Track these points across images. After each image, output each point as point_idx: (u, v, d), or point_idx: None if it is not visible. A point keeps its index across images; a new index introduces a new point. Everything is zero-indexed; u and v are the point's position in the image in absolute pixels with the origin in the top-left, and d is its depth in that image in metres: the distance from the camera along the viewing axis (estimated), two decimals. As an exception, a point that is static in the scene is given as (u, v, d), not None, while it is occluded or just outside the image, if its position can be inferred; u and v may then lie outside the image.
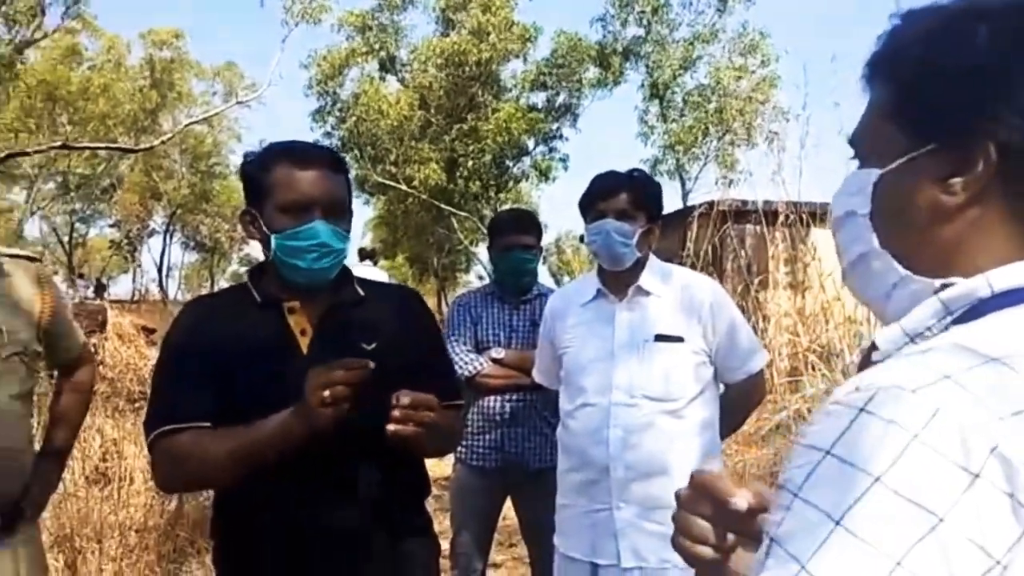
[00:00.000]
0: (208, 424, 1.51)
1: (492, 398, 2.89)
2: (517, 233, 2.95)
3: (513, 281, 2.98)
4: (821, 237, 6.71)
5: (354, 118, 20.81)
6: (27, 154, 16.57)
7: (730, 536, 0.76)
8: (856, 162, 0.78)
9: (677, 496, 0.79)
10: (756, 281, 7.20)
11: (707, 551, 0.76)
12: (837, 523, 0.53)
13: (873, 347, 0.70)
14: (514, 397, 2.87)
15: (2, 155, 13.69)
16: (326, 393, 1.35)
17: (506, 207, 19.41)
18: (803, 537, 0.55)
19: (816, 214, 6.93)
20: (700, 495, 0.76)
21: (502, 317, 2.96)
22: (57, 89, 23.19)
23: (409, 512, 1.67)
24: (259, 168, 1.57)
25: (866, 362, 0.70)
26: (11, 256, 2.07)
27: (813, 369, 5.80)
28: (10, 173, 24.30)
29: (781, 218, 7.16)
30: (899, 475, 0.53)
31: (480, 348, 2.90)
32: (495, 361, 2.84)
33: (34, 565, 2.05)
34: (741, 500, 0.72)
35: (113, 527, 3.75)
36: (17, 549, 1.97)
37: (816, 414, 0.61)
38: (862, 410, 0.56)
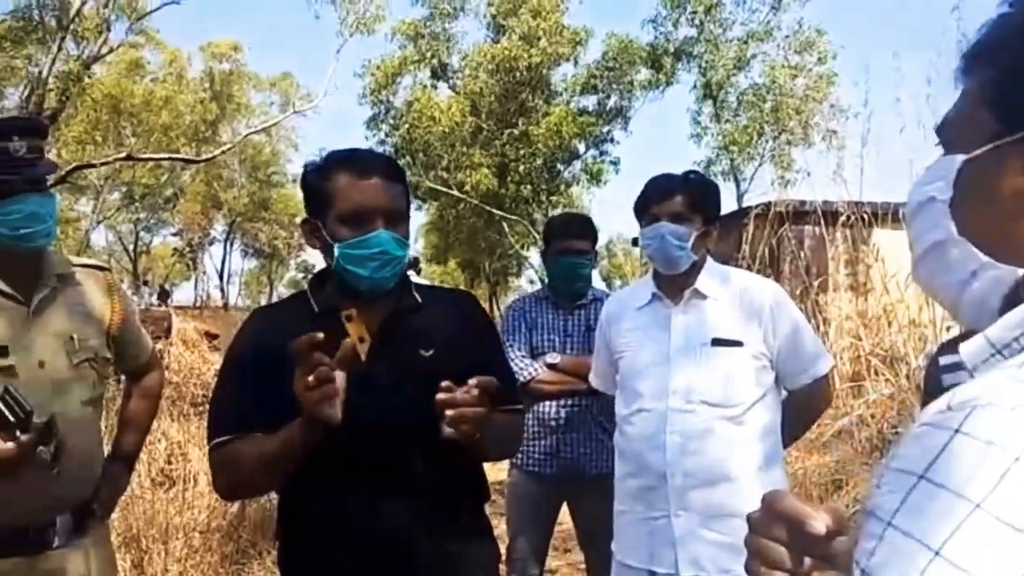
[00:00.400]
0: (261, 434, 1.53)
1: (548, 404, 2.88)
2: (572, 238, 2.94)
3: (567, 286, 2.97)
4: (884, 238, 6.52)
5: (407, 125, 21.05)
6: (93, 166, 17.17)
7: (806, 560, 0.71)
8: (940, 151, 0.75)
9: (749, 519, 0.75)
10: (816, 283, 7.04)
11: None
12: (936, 553, 0.50)
13: (940, 351, 0.67)
14: (569, 403, 2.86)
15: (70, 167, 14.23)
16: (310, 379, 1.35)
17: (557, 211, 19.38)
18: (899, 568, 0.52)
19: (878, 214, 6.75)
20: (773, 517, 0.72)
21: (557, 322, 2.95)
22: (121, 102, 23.87)
23: (468, 514, 1.68)
24: (320, 178, 1.59)
25: (932, 367, 0.67)
26: (82, 266, 2.14)
27: (876, 374, 5.64)
28: (77, 184, 25.19)
29: (842, 218, 6.98)
30: (1001, 500, 0.50)
31: (535, 353, 2.89)
32: (550, 366, 2.83)
33: (105, 564, 2.10)
34: (819, 523, 0.68)
35: (178, 528, 3.84)
36: (88, 549, 2.02)
37: (905, 436, 0.58)
38: (957, 431, 0.53)
